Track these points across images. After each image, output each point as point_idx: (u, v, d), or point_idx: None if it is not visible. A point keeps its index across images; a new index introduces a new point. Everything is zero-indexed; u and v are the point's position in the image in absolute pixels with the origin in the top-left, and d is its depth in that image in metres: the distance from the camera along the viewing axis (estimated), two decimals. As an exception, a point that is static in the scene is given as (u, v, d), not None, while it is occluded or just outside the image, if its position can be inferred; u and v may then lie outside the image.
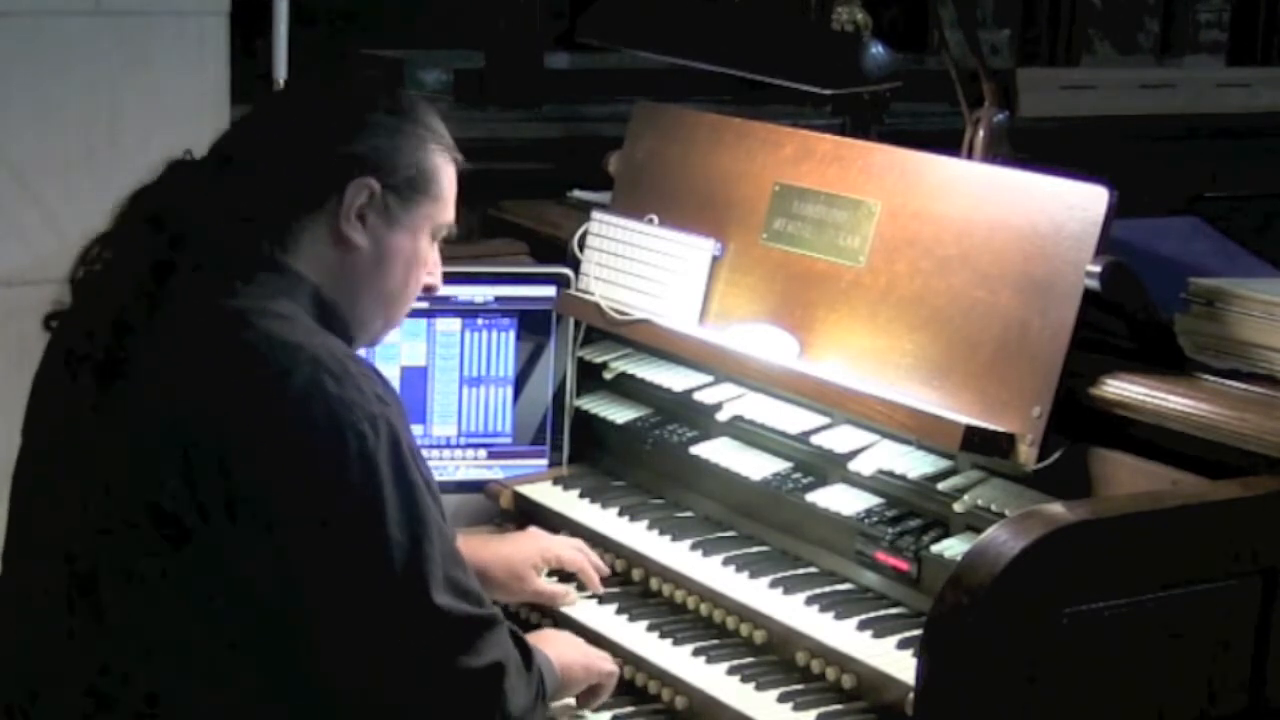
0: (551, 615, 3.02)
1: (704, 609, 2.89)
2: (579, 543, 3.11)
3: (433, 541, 2.27)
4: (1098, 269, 2.61)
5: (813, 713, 2.62)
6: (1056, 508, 2.34)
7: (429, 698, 2.29)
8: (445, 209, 2.53)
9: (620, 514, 3.19)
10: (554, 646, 2.67)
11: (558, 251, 3.52)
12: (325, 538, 2.22)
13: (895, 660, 2.62)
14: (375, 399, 2.26)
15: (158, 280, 2.32)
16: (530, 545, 3.07)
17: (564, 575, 3.08)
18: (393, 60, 4.42)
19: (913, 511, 2.85)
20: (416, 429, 3.34)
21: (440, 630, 2.28)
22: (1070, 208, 2.67)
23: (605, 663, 2.78)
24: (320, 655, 2.25)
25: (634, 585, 3.05)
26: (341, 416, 2.22)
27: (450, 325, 3.41)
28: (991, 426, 2.65)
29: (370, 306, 2.48)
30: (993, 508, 2.66)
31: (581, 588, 3.04)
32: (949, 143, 3.15)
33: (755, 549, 3.03)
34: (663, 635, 2.87)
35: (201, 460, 2.21)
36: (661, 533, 3.10)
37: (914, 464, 2.81)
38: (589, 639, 2.89)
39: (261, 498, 2.21)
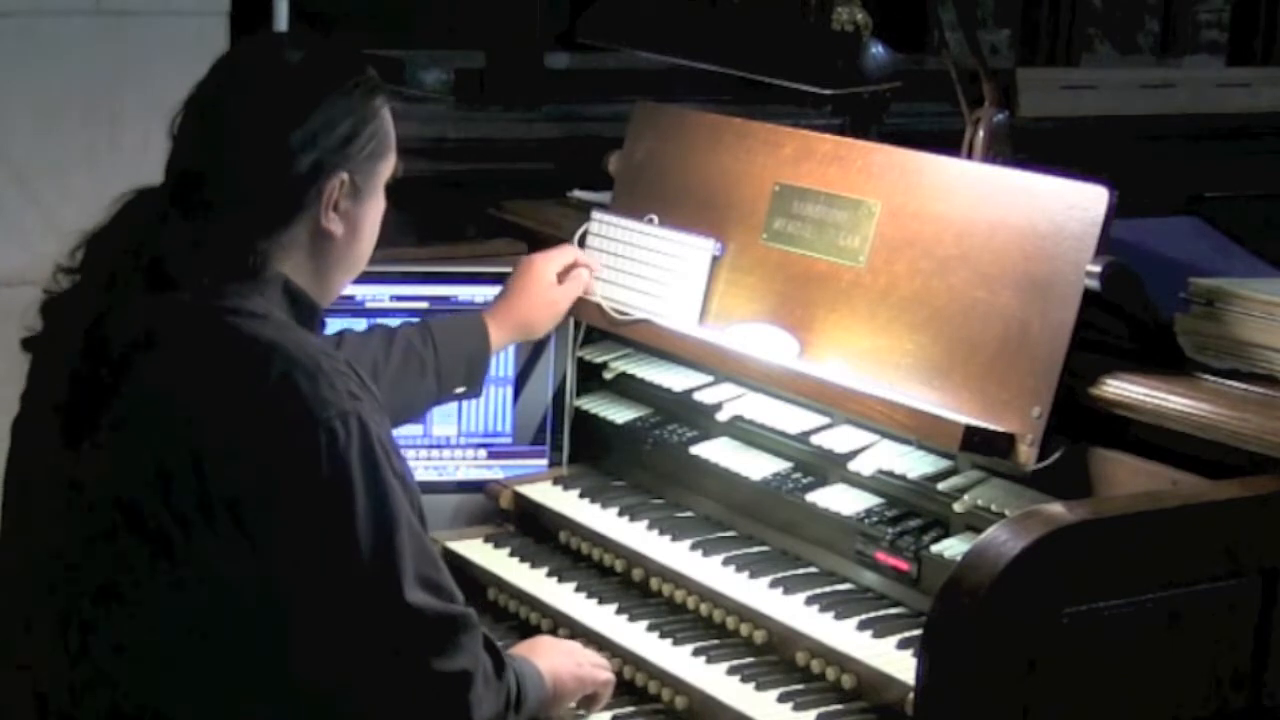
0: (551, 616, 3.02)
1: (704, 609, 2.89)
2: (562, 249, 3.33)
3: (404, 538, 2.27)
4: (1098, 269, 2.61)
5: (813, 713, 2.62)
6: (1056, 508, 2.34)
7: (396, 697, 2.29)
8: (394, 155, 2.52)
9: (620, 514, 3.19)
10: (546, 657, 2.66)
11: (558, 252, 3.52)
12: (297, 535, 2.23)
13: (895, 660, 2.62)
14: (348, 395, 2.27)
15: (131, 291, 2.32)
16: (535, 279, 3.24)
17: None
18: (393, 60, 4.42)
19: (913, 511, 2.85)
20: (416, 429, 3.35)
21: (411, 627, 2.28)
22: (1070, 208, 2.67)
23: (600, 671, 2.76)
24: (294, 653, 2.25)
25: (634, 585, 3.04)
26: (314, 414, 2.23)
27: (450, 325, 3.40)
28: (991, 426, 2.65)
29: (343, 278, 2.50)
30: (993, 508, 2.66)
31: None
32: (949, 143, 3.15)
33: (755, 549, 3.03)
34: (663, 635, 2.87)
35: (176, 464, 2.22)
36: (661, 533, 3.10)
37: (914, 464, 2.81)
38: (589, 640, 2.89)
39: (235, 496, 2.21)
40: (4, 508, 2.44)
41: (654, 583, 3.01)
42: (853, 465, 2.86)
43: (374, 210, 2.49)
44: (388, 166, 2.50)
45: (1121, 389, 2.60)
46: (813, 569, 2.94)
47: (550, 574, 3.12)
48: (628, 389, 3.41)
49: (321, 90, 2.40)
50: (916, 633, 2.62)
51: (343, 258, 2.46)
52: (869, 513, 2.88)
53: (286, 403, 2.23)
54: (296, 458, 2.22)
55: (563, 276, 3.27)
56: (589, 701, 2.75)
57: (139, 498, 2.24)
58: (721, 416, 3.10)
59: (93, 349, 2.31)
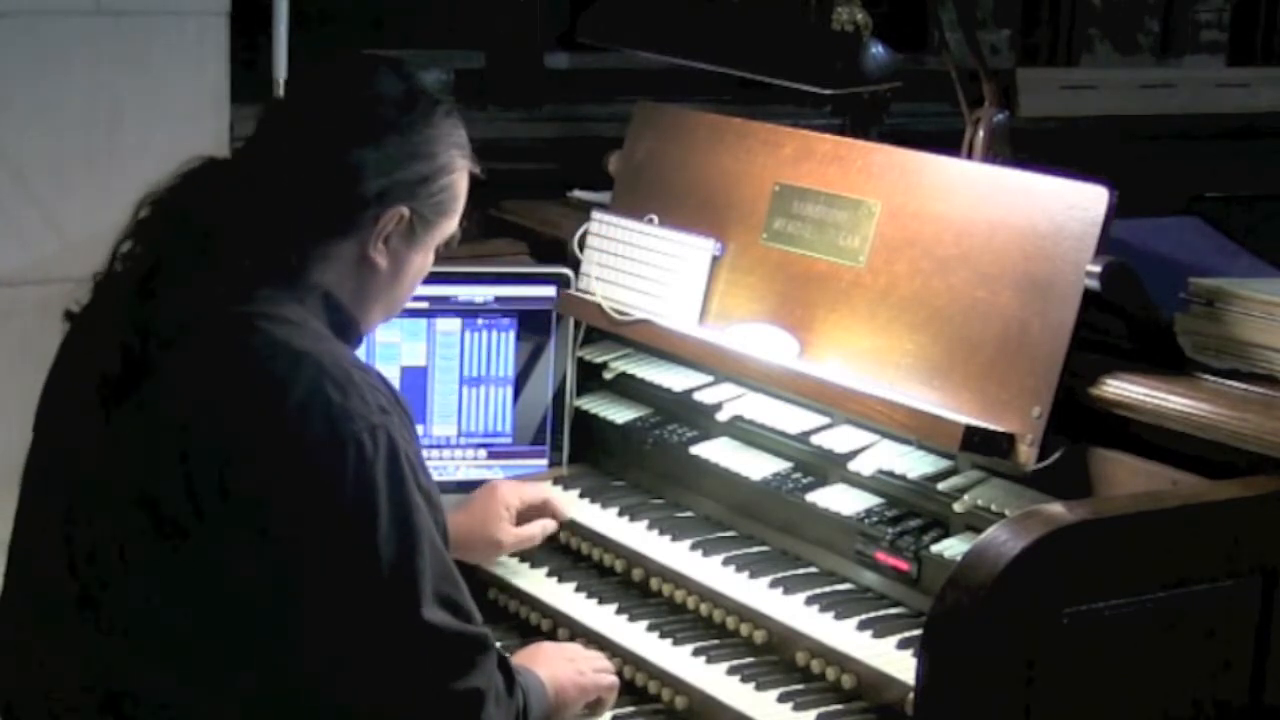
0: (551, 616, 3.02)
1: (704, 609, 2.89)
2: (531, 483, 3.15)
3: (424, 556, 2.26)
4: (1098, 269, 2.61)
5: (813, 713, 2.62)
6: (1056, 508, 2.34)
7: (409, 713, 2.28)
8: (456, 221, 2.53)
9: (620, 514, 3.19)
10: (548, 666, 2.66)
11: (558, 251, 3.52)
12: (317, 545, 2.22)
13: (895, 660, 2.62)
14: (378, 410, 2.26)
15: (178, 286, 2.32)
16: (492, 505, 3.07)
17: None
18: (393, 60, 4.42)
19: (913, 511, 2.85)
20: (417, 429, 3.34)
21: (427, 646, 2.28)
22: (1070, 208, 2.67)
23: (603, 676, 2.75)
24: (307, 661, 2.25)
25: (634, 585, 3.04)
26: (341, 425, 2.22)
27: (450, 325, 3.41)
28: (991, 426, 2.65)
29: (377, 312, 2.50)
30: (993, 508, 2.66)
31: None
32: (949, 143, 3.15)
33: (755, 549, 3.03)
34: (663, 635, 2.87)
35: (200, 462, 2.22)
36: (661, 533, 3.10)
37: (914, 464, 2.81)
38: (589, 640, 2.89)
39: (257, 501, 2.21)
40: (26, 484, 2.45)
41: (654, 583, 3.01)
42: (853, 465, 2.86)
43: (420, 260, 2.49)
44: (448, 225, 2.51)
45: (1121, 389, 2.60)
46: (813, 569, 2.94)
47: (550, 574, 3.12)
48: (628, 389, 3.41)
49: (409, 122, 2.42)
50: (916, 633, 2.62)
51: (381, 294, 2.46)
52: (869, 513, 2.88)
53: (315, 413, 2.22)
54: (322, 468, 2.22)
55: (527, 514, 3.11)
56: (595, 706, 2.75)
57: (160, 489, 2.24)
58: (721, 416, 3.10)
59: (139, 317, 2.31)
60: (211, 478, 2.21)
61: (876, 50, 3.19)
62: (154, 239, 2.37)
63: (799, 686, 2.68)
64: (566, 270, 3.42)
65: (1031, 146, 3.22)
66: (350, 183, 2.38)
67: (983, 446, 2.65)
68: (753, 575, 2.91)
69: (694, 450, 3.18)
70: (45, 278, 3.33)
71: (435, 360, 3.41)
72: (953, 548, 2.71)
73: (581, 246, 3.41)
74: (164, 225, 2.38)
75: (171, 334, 2.29)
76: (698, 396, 3.16)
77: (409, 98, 2.45)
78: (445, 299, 3.37)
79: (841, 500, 2.92)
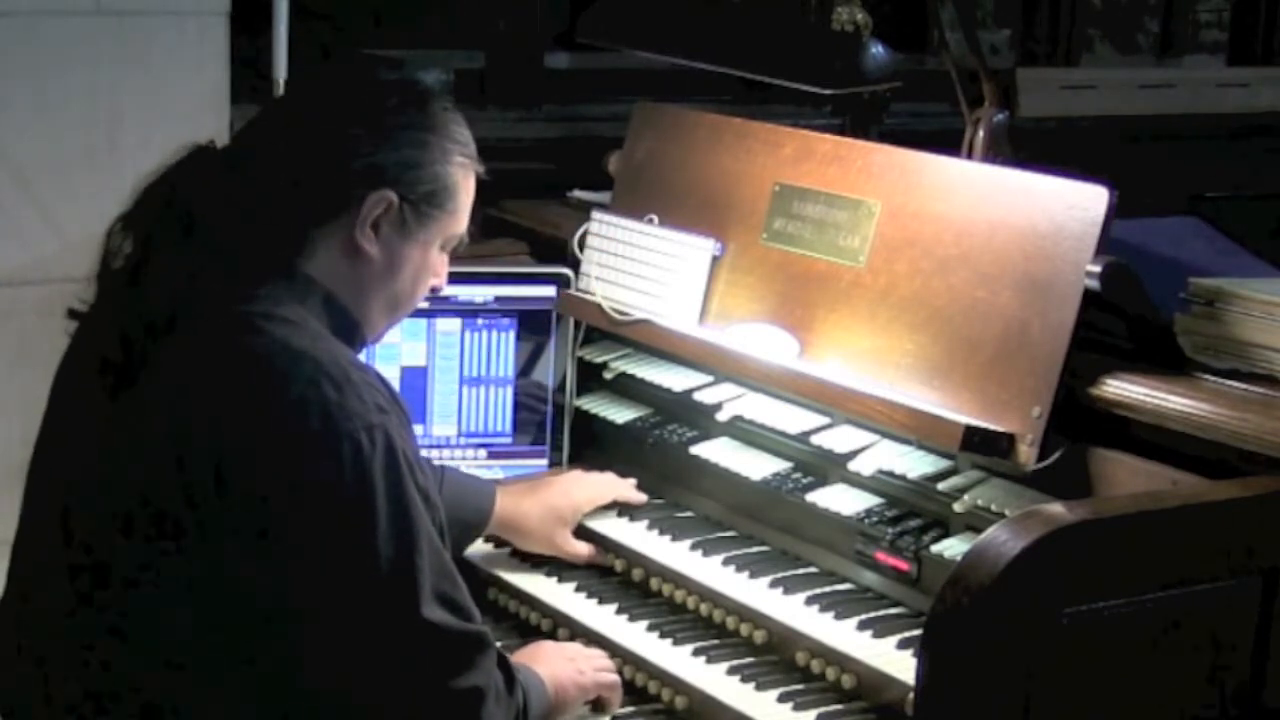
0: (551, 616, 3.02)
1: (704, 609, 2.89)
2: (609, 480, 3.18)
3: (423, 554, 2.26)
4: (1098, 269, 2.61)
5: (813, 713, 2.62)
6: (1056, 508, 2.34)
7: (408, 712, 2.29)
8: (459, 222, 2.52)
9: (620, 514, 3.19)
10: (549, 665, 2.66)
11: (558, 251, 3.52)
12: (315, 544, 2.22)
13: (895, 660, 2.62)
14: (375, 409, 2.26)
15: (178, 284, 2.32)
16: (565, 507, 3.10)
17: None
18: (393, 60, 4.42)
19: (913, 511, 2.85)
20: (416, 429, 3.34)
21: (426, 644, 2.28)
22: (1070, 208, 2.67)
23: (604, 675, 2.76)
24: (307, 660, 2.25)
25: (634, 585, 3.04)
26: (339, 424, 2.22)
27: (450, 325, 3.41)
28: (991, 426, 2.65)
29: (378, 310, 2.49)
30: (993, 508, 2.66)
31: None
32: (949, 143, 3.15)
33: (755, 549, 3.03)
34: (663, 635, 2.87)
35: (198, 460, 2.22)
36: (661, 533, 3.10)
37: (914, 464, 2.81)
38: (589, 639, 2.89)
39: (255, 500, 2.21)
40: (29, 484, 2.45)
41: (654, 583, 3.01)
42: (853, 465, 2.86)
43: (419, 256, 2.48)
44: (448, 222, 2.50)
45: (1121, 389, 2.60)
46: (813, 569, 2.94)
47: (550, 574, 3.12)
48: (628, 389, 3.41)
49: (398, 108, 2.43)
50: (916, 633, 2.62)
51: (377, 288, 2.45)
52: (869, 513, 2.88)
53: (312, 411, 2.22)
54: (320, 467, 2.22)
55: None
56: (599, 705, 2.74)
57: (158, 488, 2.24)
58: (721, 416, 3.10)
59: (132, 306, 2.32)
60: (209, 477, 2.21)
61: (876, 50, 3.19)
62: (141, 225, 2.38)
63: (799, 686, 2.68)
64: (566, 270, 3.42)
65: (1031, 146, 3.22)
66: (333, 161, 2.38)
67: (983, 446, 2.65)
68: (753, 575, 2.91)
69: (694, 450, 3.18)
70: (45, 278, 3.33)
71: (435, 360, 3.41)
72: (953, 548, 2.71)
73: (581, 246, 3.41)
74: (150, 210, 2.38)
75: (165, 324, 2.29)
76: (698, 396, 3.16)
77: (401, 89, 2.47)
78: (445, 299, 3.37)
79: (841, 500, 2.92)
